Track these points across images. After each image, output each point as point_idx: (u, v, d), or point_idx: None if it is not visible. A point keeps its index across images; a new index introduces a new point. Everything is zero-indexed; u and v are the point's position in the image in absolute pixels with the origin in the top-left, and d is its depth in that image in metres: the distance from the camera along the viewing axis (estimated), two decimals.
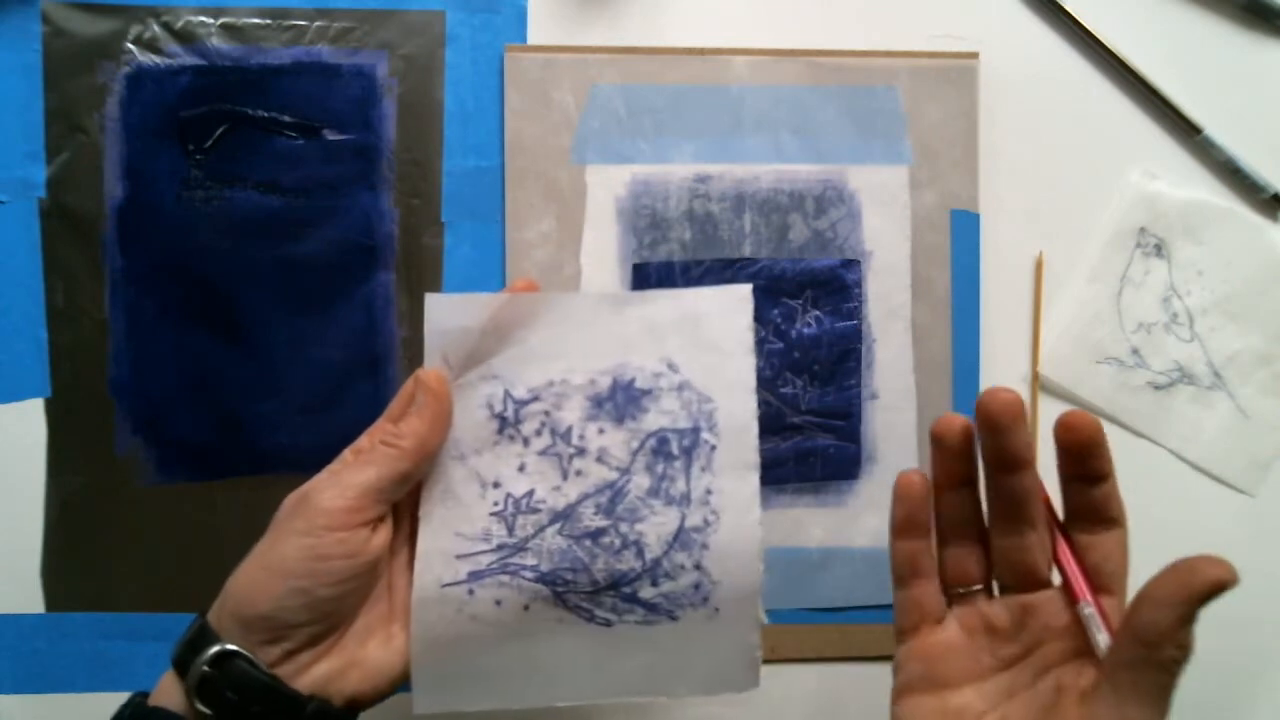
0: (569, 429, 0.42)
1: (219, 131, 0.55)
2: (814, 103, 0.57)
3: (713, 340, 0.43)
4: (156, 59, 0.54)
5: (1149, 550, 0.60)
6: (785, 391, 0.56)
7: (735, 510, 0.42)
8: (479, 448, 0.42)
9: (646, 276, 0.56)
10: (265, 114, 0.55)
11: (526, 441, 0.42)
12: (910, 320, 0.57)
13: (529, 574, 0.42)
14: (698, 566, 0.42)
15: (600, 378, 0.43)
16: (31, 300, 0.54)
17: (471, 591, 0.41)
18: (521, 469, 0.42)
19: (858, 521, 0.57)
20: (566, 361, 0.43)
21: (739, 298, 0.43)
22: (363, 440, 0.42)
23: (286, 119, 0.55)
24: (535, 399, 0.42)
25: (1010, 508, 0.39)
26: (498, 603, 0.42)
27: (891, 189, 0.57)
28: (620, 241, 0.56)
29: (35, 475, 0.54)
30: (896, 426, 0.57)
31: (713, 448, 0.42)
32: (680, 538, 0.42)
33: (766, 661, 0.57)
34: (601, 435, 0.42)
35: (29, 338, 0.54)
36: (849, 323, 0.57)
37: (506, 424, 0.42)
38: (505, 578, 0.42)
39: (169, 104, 0.54)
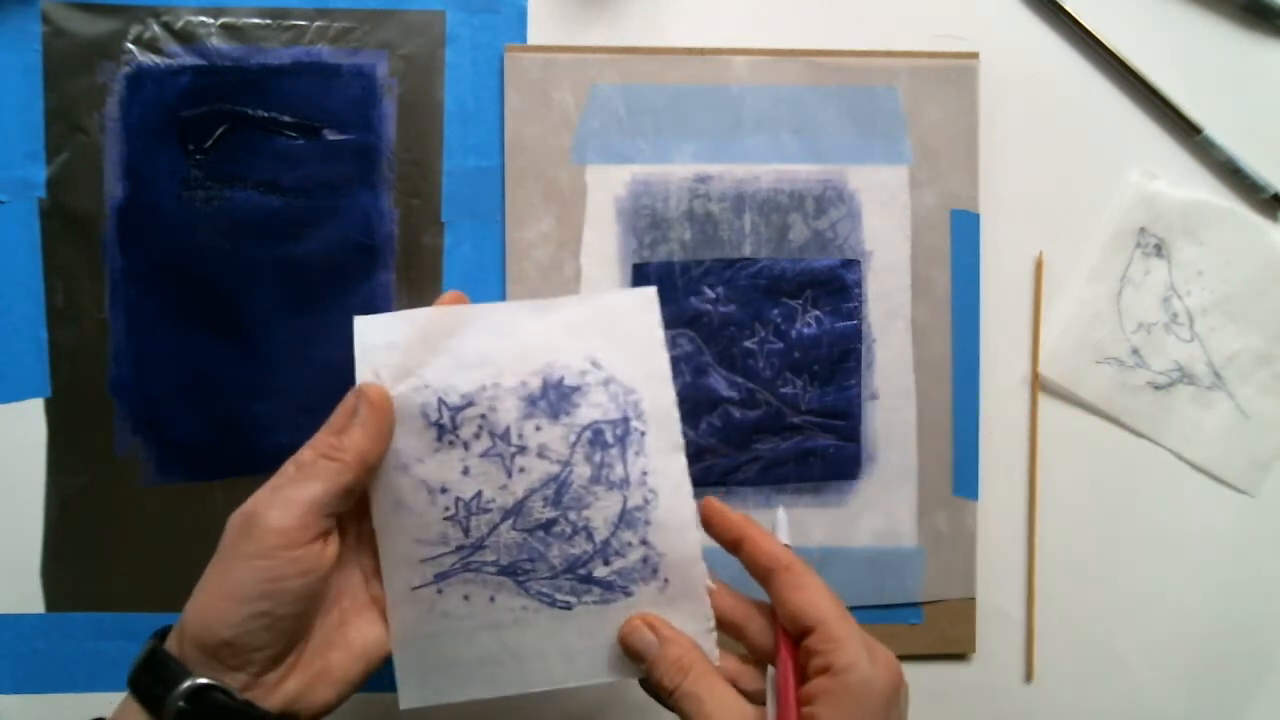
0: (507, 429, 0.44)
1: (219, 131, 0.55)
2: (814, 103, 0.57)
3: (629, 337, 0.46)
4: (156, 59, 0.54)
5: (1149, 550, 0.60)
6: (785, 391, 0.56)
7: (669, 487, 0.45)
8: (421, 456, 0.44)
9: (646, 276, 0.56)
10: (265, 114, 0.55)
11: (467, 445, 0.44)
12: (910, 320, 0.57)
13: (491, 569, 0.44)
14: (644, 541, 0.44)
15: (531, 379, 0.45)
16: (31, 300, 0.54)
17: (440, 591, 0.44)
18: (466, 472, 0.44)
19: (858, 521, 0.57)
20: (495, 366, 0.45)
21: (646, 298, 0.46)
22: (304, 453, 0.42)
23: (286, 119, 0.55)
24: (470, 404, 0.44)
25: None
26: (465, 598, 0.44)
27: (891, 189, 0.57)
28: (620, 241, 0.56)
29: (35, 475, 0.54)
30: (896, 426, 0.57)
31: (642, 433, 0.45)
32: (625, 517, 0.44)
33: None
34: (539, 432, 0.44)
35: (29, 338, 0.54)
36: (849, 323, 0.57)
37: (445, 431, 0.44)
38: (469, 575, 0.44)
39: (169, 104, 0.54)
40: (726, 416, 0.56)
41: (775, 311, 0.57)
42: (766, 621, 0.43)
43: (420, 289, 0.55)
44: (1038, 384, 0.59)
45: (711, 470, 0.56)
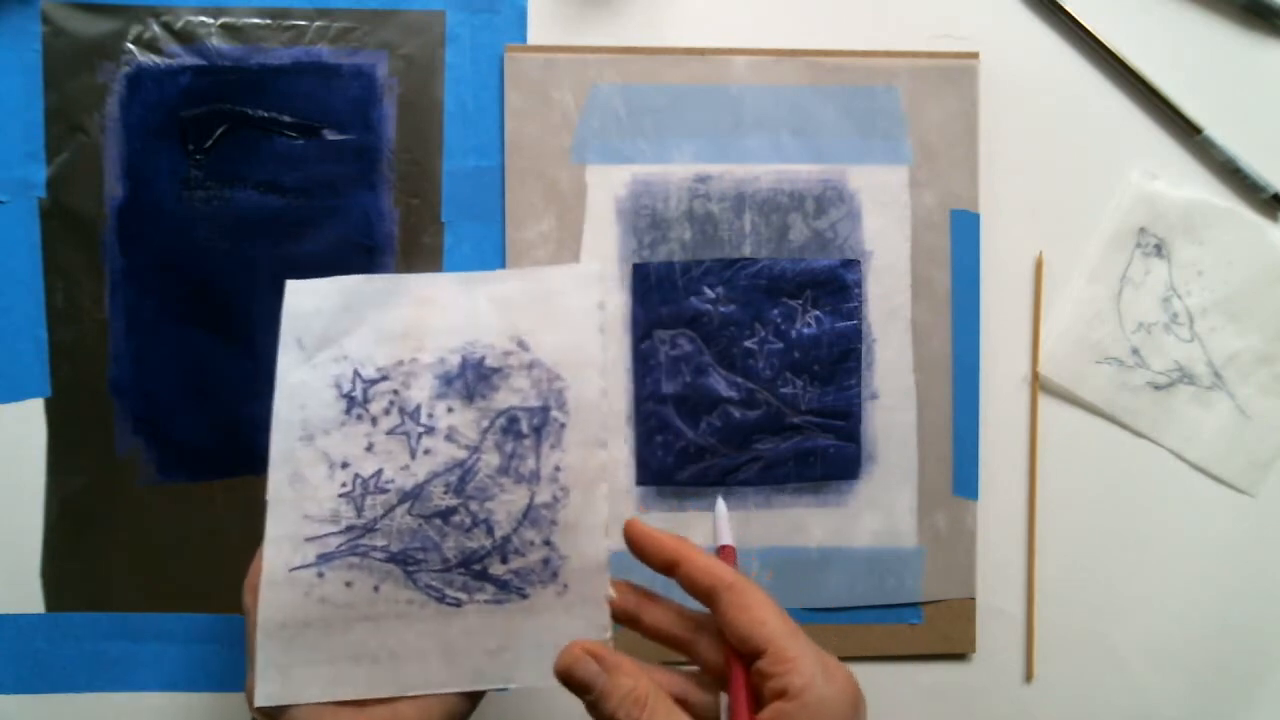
0: (417, 408, 0.42)
1: (219, 131, 0.55)
2: (814, 103, 0.57)
3: (563, 319, 0.43)
4: (156, 59, 0.54)
5: (1149, 550, 0.60)
6: (785, 391, 0.56)
7: (583, 486, 0.42)
8: (327, 428, 0.42)
9: (646, 276, 0.56)
10: (265, 114, 0.55)
11: (375, 421, 0.42)
12: (910, 320, 0.57)
13: (379, 554, 0.42)
14: (547, 542, 0.42)
15: (450, 356, 0.43)
16: (31, 300, 0.54)
17: (321, 574, 0.41)
18: (370, 448, 0.42)
19: (858, 521, 0.57)
20: (417, 340, 0.43)
21: (588, 276, 0.44)
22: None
23: (286, 119, 0.55)
24: (384, 378, 0.43)
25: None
26: (348, 584, 0.41)
27: (891, 189, 0.57)
28: (620, 241, 0.56)
29: (35, 475, 0.54)
30: (896, 426, 0.57)
31: (562, 425, 0.43)
32: (530, 515, 0.42)
33: None
34: (451, 414, 0.42)
35: (29, 338, 0.54)
36: (849, 323, 0.57)
37: (355, 404, 0.42)
38: (355, 559, 0.42)
39: (169, 104, 0.54)
40: (726, 416, 0.56)
41: (775, 311, 0.57)
42: (714, 638, 0.40)
43: None
44: (1038, 384, 0.59)
45: (711, 470, 0.56)
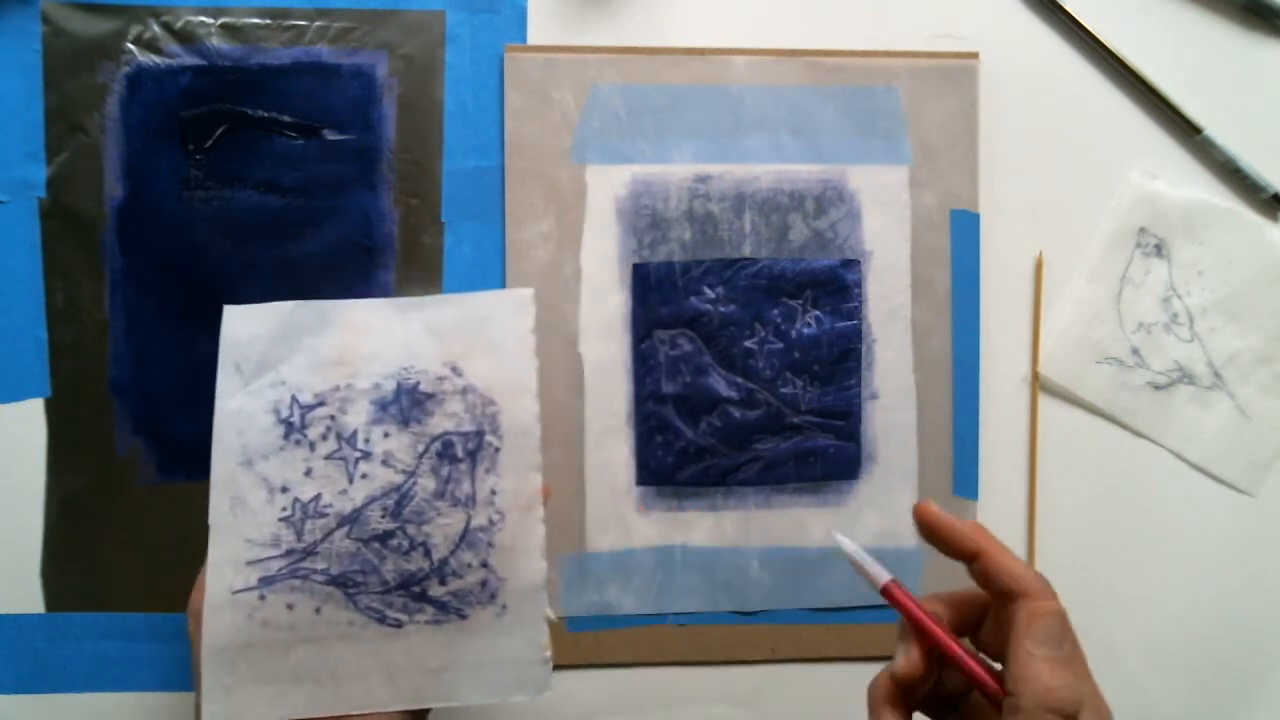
0: (354, 433, 0.43)
1: (219, 131, 0.55)
2: (814, 103, 0.57)
3: (496, 344, 0.44)
4: (156, 59, 0.54)
5: (1149, 550, 0.60)
6: (785, 391, 0.56)
7: (519, 509, 0.43)
8: (266, 453, 0.43)
9: (646, 276, 0.56)
10: (265, 114, 0.55)
11: (313, 446, 0.43)
12: (910, 320, 0.57)
13: (320, 577, 0.42)
14: (484, 564, 0.43)
15: (385, 381, 0.44)
16: (31, 300, 0.54)
17: (263, 597, 0.42)
18: (308, 473, 0.43)
19: (858, 521, 0.57)
20: (352, 366, 0.44)
21: (522, 301, 0.45)
22: None
23: (286, 119, 0.55)
24: (321, 404, 0.43)
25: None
26: (289, 607, 0.42)
27: (891, 189, 0.57)
28: (620, 241, 0.56)
29: (35, 475, 0.54)
30: (896, 426, 0.57)
31: (496, 450, 0.43)
32: (467, 537, 0.43)
33: (767, 662, 0.57)
34: (387, 439, 0.43)
35: (29, 338, 0.54)
36: (849, 323, 0.57)
37: (293, 429, 0.43)
38: (296, 581, 0.42)
39: (169, 104, 0.54)
40: (726, 416, 0.56)
41: (775, 311, 0.57)
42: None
43: (420, 290, 0.55)
44: (1038, 384, 0.59)
45: (711, 470, 0.56)
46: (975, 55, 0.57)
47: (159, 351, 0.55)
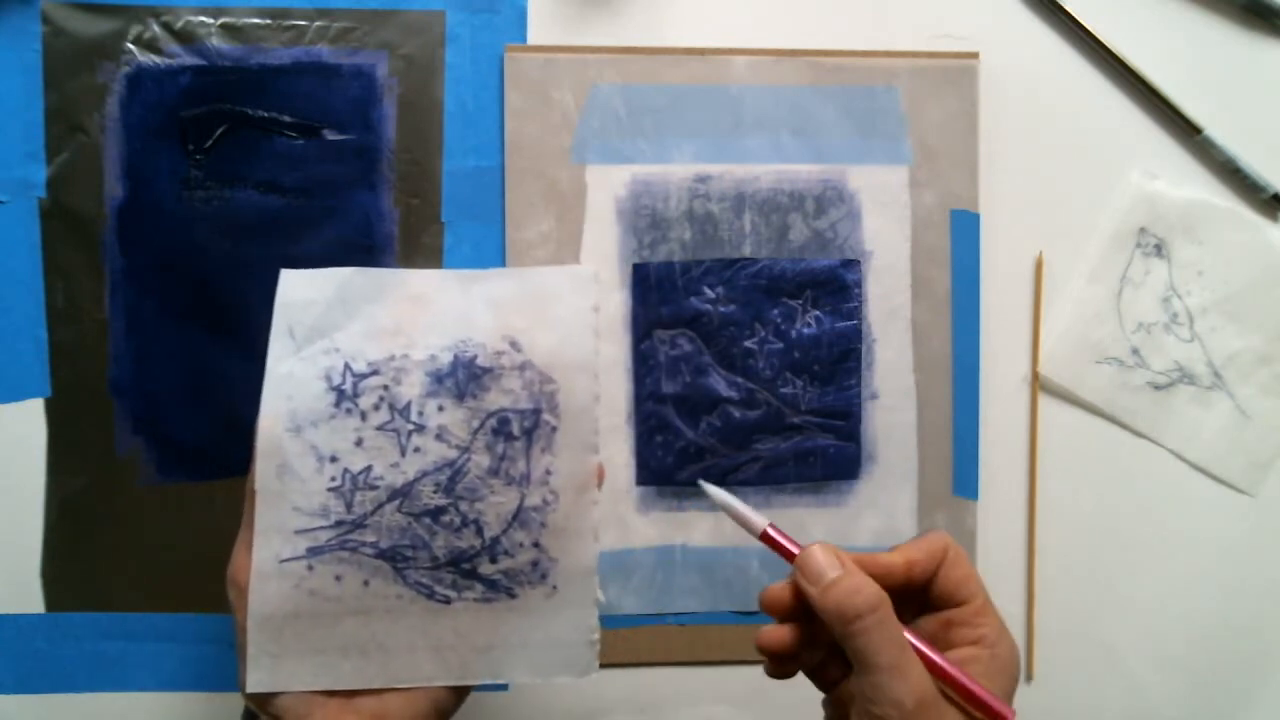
0: (408, 405, 0.42)
1: (219, 131, 0.55)
2: (814, 103, 0.57)
3: (557, 320, 0.43)
4: (156, 59, 0.54)
5: (1149, 550, 0.60)
6: (785, 391, 0.56)
7: (574, 490, 0.42)
8: (315, 420, 0.42)
9: (646, 276, 0.56)
10: (265, 114, 0.55)
11: (364, 416, 0.42)
12: (910, 320, 0.57)
13: (369, 550, 0.41)
14: (536, 545, 0.42)
15: (441, 354, 0.42)
16: (31, 300, 0.54)
17: (311, 567, 0.41)
18: (359, 444, 0.42)
19: (858, 521, 0.57)
20: (408, 337, 0.43)
21: (584, 278, 0.44)
22: None
23: (286, 119, 0.55)
24: (375, 373, 0.42)
25: None
26: (337, 578, 0.41)
27: (891, 189, 0.57)
28: (620, 241, 0.56)
29: (35, 475, 0.54)
30: (896, 426, 0.57)
31: (553, 429, 0.42)
32: (520, 516, 0.42)
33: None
34: (441, 413, 0.42)
35: (29, 338, 0.54)
36: (849, 323, 0.57)
37: (344, 397, 0.42)
38: (345, 553, 0.41)
39: (169, 104, 0.54)
40: (726, 416, 0.56)
41: (775, 311, 0.57)
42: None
43: None
44: (1038, 384, 0.59)
45: (711, 470, 0.56)
46: (975, 55, 0.57)
47: (159, 351, 0.55)
